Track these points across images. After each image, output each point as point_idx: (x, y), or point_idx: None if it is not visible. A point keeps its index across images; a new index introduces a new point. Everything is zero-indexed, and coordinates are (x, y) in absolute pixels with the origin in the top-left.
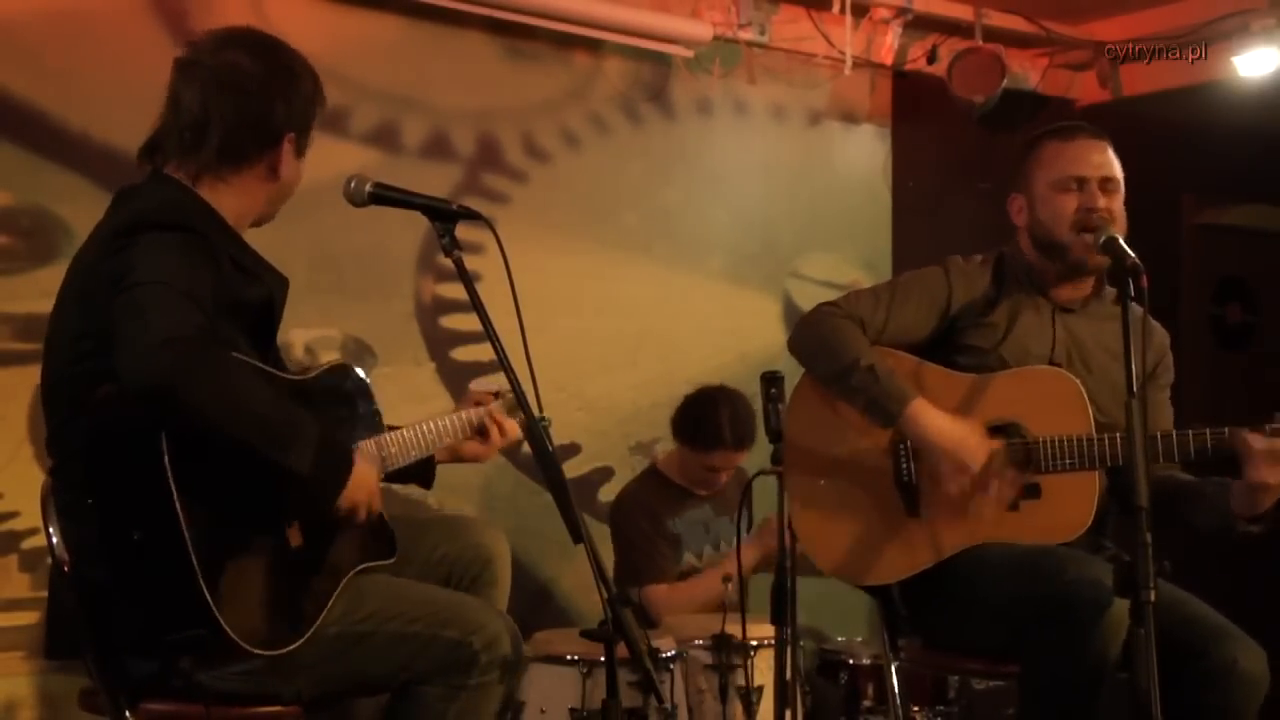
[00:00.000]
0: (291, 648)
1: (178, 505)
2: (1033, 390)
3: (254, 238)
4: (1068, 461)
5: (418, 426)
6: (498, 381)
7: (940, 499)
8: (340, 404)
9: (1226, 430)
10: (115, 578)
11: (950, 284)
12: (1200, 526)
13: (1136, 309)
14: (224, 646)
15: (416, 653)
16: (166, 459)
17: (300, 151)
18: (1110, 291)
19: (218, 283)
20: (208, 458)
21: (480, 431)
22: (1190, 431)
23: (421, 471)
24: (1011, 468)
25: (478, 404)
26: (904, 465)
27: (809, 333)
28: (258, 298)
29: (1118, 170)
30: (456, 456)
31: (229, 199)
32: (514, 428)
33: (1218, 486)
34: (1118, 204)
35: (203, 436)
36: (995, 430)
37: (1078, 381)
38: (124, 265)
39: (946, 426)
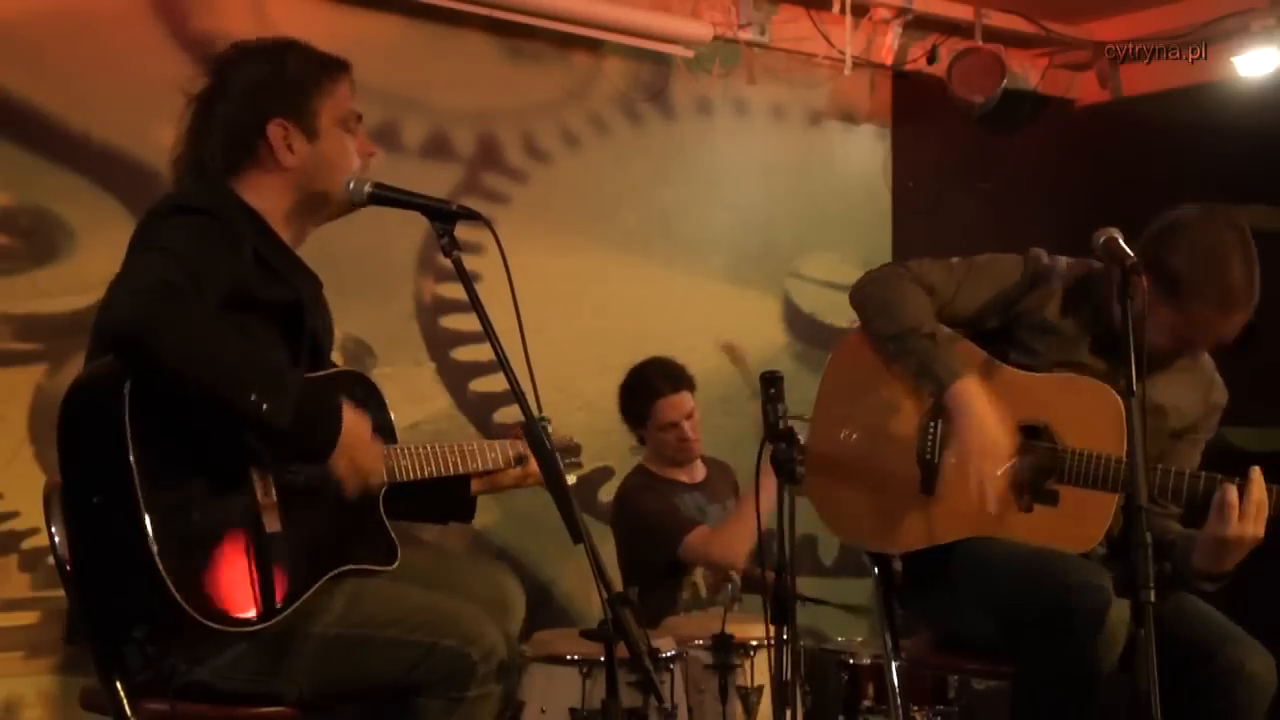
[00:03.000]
0: (248, 629)
1: (132, 463)
2: (1075, 399)
3: None
4: (1091, 478)
5: (433, 444)
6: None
7: (957, 483)
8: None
9: (1218, 477)
10: (79, 546)
11: (1026, 278)
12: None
13: (1209, 360)
14: (174, 616)
15: (418, 660)
16: (127, 417)
17: (308, 132)
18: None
19: (235, 269)
20: (174, 421)
21: (520, 460)
22: (1187, 472)
23: (460, 506)
24: (1031, 471)
25: (515, 437)
26: (929, 443)
27: (877, 289)
28: (278, 298)
29: None
30: (495, 486)
31: (254, 197)
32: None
33: (1185, 539)
34: None
35: (172, 394)
36: (1026, 429)
37: (1121, 402)
38: (140, 242)
39: (987, 415)
